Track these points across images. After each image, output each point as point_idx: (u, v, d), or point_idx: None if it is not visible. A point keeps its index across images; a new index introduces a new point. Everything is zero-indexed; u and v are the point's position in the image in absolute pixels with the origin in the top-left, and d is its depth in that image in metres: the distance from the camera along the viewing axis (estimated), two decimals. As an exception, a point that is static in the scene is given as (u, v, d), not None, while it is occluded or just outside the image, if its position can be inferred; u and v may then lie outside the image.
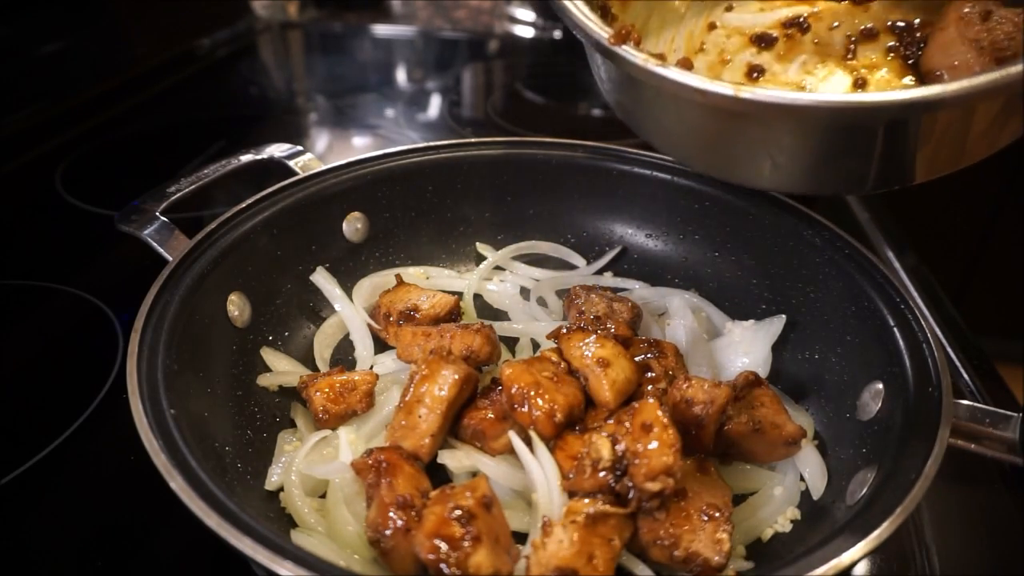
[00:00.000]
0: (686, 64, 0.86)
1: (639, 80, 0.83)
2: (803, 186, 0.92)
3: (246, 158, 1.15)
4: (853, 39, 0.87)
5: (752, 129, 0.84)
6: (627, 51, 0.81)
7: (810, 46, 0.88)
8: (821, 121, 0.78)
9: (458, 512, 0.71)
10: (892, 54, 0.85)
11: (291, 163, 1.17)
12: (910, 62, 0.84)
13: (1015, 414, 0.76)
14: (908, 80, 0.85)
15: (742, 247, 1.13)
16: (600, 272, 1.24)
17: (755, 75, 0.90)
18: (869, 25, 0.87)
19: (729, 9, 0.97)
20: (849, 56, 0.87)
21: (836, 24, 0.88)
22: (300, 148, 1.20)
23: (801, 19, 0.89)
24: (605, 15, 1.01)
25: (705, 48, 0.94)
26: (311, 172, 1.14)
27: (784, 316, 1.05)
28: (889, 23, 0.86)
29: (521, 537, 0.81)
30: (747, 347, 1.04)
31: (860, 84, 0.86)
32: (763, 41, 0.90)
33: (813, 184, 0.91)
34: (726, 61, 0.92)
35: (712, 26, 0.95)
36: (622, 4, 1.02)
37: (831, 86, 0.87)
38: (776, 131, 0.83)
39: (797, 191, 0.96)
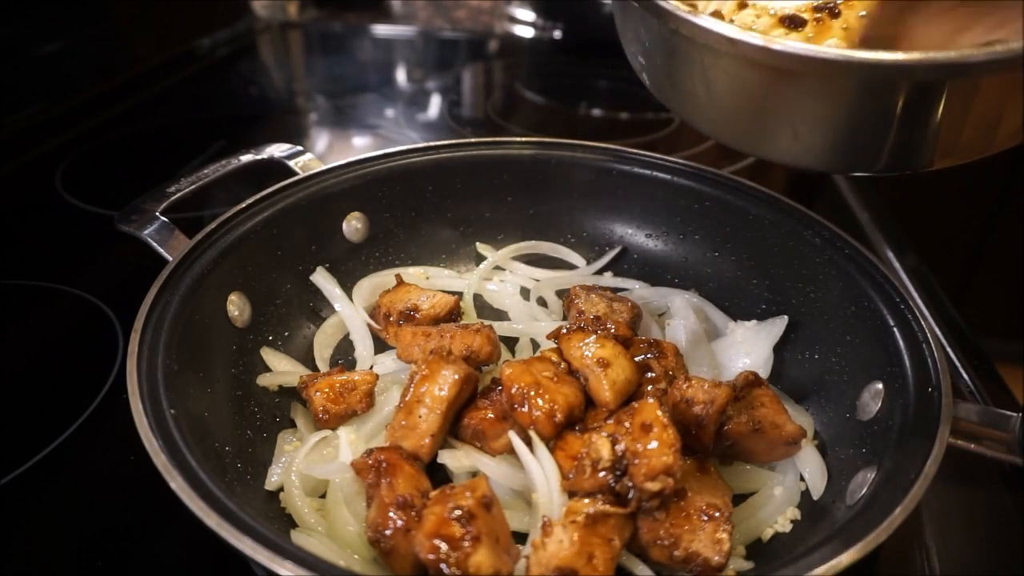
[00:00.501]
0: (717, 16, 0.88)
1: (669, 38, 0.85)
2: (822, 160, 0.92)
3: (246, 158, 1.15)
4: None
5: (778, 90, 0.85)
6: (664, 5, 0.83)
7: (839, 32, 0.89)
8: (849, 78, 0.78)
9: (458, 512, 0.71)
10: None
11: (291, 163, 1.17)
12: None
13: (1015, 414, 0.76)
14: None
15: (742, 247, 1.13)
16: (600, 272, 1.24)
17: None
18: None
19: None
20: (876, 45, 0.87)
21: (864, 13, 0.88)
22: (300, 148, 1.20)
23: (832, 5, 0.90)
24: None
25: (734, 25, 0.95)
26: (311, 172, 1.14)
27: (786, 317, 1.05)
28: None
29: (521, 537, 0.81)
30: (748, 347, 1.05)
31: None
32: (793, 23, 0.91)
33: (832, 158, 0.91)
34: None
35: (743, 4, 0.95)
36: None
37: None
38: (802, 92, 0.83)
39: (816, 167, 0.96)
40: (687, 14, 0.81)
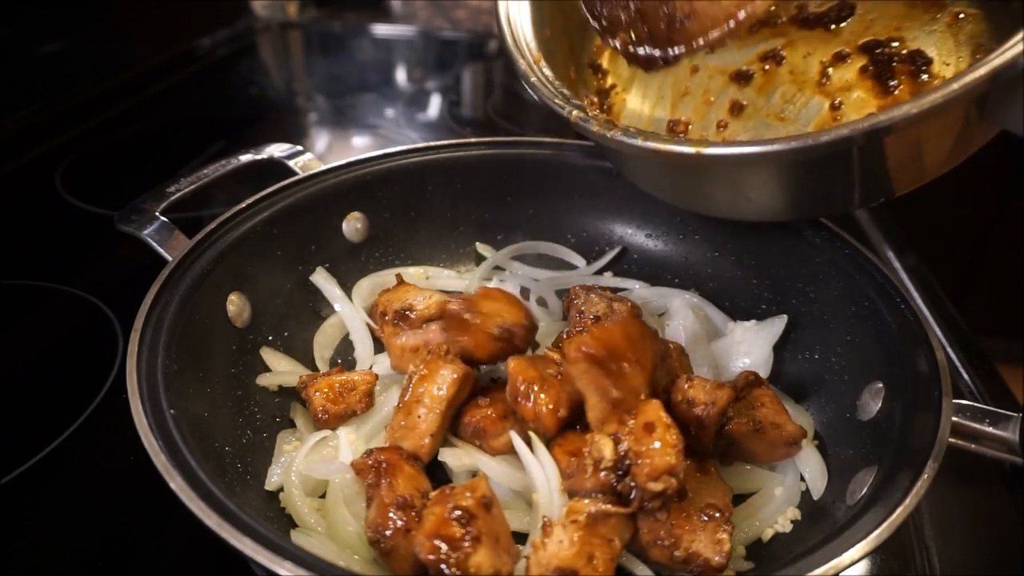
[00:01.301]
0: (679, 128, 0.97)
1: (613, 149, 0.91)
2: (782, 215, 0.98)
3: (246, 158, 1.15)
4: (827, 64, 0.89)
5: (721, 175, 0.91)
6: (584, 125, 0.90)
7: (787, 76, 0.93)
8: (776, 164, 0.84)
9: (458, 512, 0.71)
10: (864, 73, 0.87)
11: (291, 163, 1.17)
12: (884, 78, 0.86)
13: (1015, 414, 0.76)
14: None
15: (742, 247, 1.13)
16: (600, 272, 1.24)
17: (737, 110, 0.94)
18: (840, 49, 0.90)
19: (710, 51, 1.00)
20: (824, 81, 0.90)
21: (809, 52, 0.91)
22: (300, 148, 1.20)
23: (776, 51, 0.92)
24: (596, 71, 1.09)
25: (690, 91, 0.99)
26: (311, 172, 1.14)
27: (786, 316, 1.05)
28: (860, 43, 0.88)
29: (521, 537, 0.81)
30: (748, 347, 1.05)
31: (836, 107, 0.90)
32: (742, 78, 0.96)
33: (791, 212, 0.97)
34: (710, 102, 0.97)
35: (695, 69, 0.99)
36: (612, 58, 1.08)
37: (809, 112, 0.91)
38: (742, 174, 0.89)
39: (778, 220, 1.01)
40: (621, 136, 0.86)
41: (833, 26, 0.91)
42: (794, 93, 0.91)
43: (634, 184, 1.08)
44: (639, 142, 0.85)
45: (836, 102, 0.89)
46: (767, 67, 0.93)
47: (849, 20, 0.91)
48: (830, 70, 0.89)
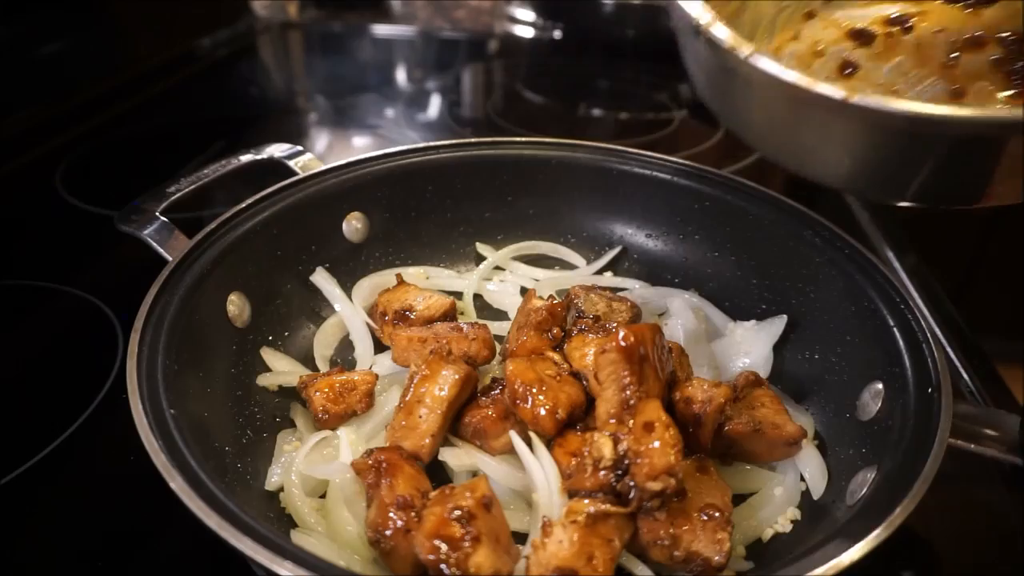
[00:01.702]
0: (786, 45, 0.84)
1: (735, 72, 0.78)
2: (877, 193, 0.89)
3: (246, 158, 1.15)
4: (957, 46, 0.82)
5: (846, 130, 0.78)
6: (712, 32, 0.76)
7: (910, 48, 0.83)
8: (931, 131, 0.71)
9: (458, 512, 0.71)
10: (996, 67, 0.80)
11: (291, 163, 1.17)
12: (1013, 78, 0.79)
13: (1015, 414, 0.76)
14: (1005, 95, 0.79)
15: (742, 247, 1.13)
16: (600, 272, 1.24)
17: (848, 71, 0.85)
18: (978, 33, 0.81)
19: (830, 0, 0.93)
20: (950, 63, 0.82)
21: (942, 28, 0.84)
22: (300, 148, 1.20)
23: (906, 18, 0.86)
24: None
25: (800, 37, 0.90)
26: (311, 172, 1.14)
27: (785, 316, 1.05)
28: (1000, 34, 0.81)
29: (521, 537, 0.81)
30: (748, 347, 1.05)
31: (958, 94, 0.81)
32: (861, 37, 0.86)
33: (888, 192, 0.85)
34: (818, 53, 0.87)
35: (810, 15, 0.91)
36: None
37: (923, 92, 0.82)
38: (872, 135, 0.76)
39: (868, 196, 0.93)
40: (758, 57, 0.73)
41: (975, 8, 0.83)
42: (912, 67, 0.83)
43: (730, 128, 0.93)
44: (776, 71, 0.72)
45: (958, 88, 0.80)
46: (892, 32, 0.84)
47: (995, 5, 0.82)
48: (960, 53, 0.80)
